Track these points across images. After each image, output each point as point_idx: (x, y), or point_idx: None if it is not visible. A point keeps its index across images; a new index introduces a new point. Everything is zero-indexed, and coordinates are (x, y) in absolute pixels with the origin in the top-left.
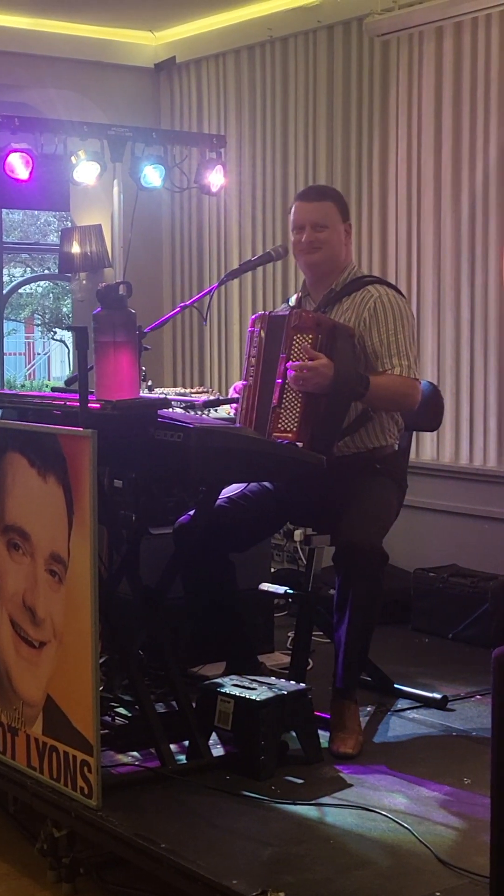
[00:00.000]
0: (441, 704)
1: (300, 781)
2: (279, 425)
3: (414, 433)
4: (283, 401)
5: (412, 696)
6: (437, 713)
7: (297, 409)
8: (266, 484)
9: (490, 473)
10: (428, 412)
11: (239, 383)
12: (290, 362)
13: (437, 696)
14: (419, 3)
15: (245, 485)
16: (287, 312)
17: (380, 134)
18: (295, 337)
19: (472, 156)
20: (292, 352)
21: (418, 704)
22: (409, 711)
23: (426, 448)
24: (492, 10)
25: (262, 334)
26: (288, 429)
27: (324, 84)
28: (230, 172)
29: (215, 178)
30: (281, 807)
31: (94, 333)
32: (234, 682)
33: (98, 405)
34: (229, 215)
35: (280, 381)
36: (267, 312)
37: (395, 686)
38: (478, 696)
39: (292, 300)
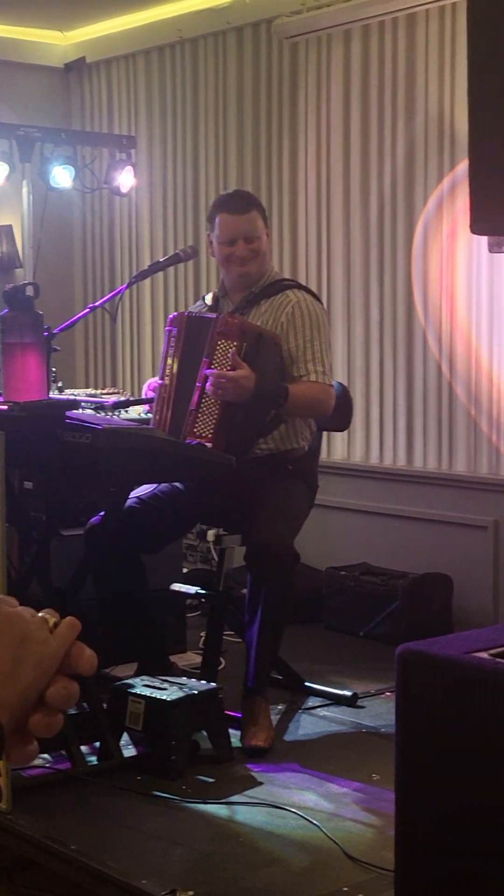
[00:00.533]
0: (351, 702)
1: (211, 780)
2: (195, 430)
3: (323, 433)
4: (201, 405)
5: (323, 694)
6: (348, 710)
7: (215, 416)
8: (177, 484)
9: (399, 472)
10: (338, 413)
11: (153, 381)
12: (212, 369)
13: (348, 693)
14: (327, 5)
15: (156, 485)
16: (203, 311)
17: (289, 135)
18: (219, 342)
19: (381, 158)
20: (215, 357)
21: (329, 702)
22: (319, 709)
23: (337, 448)
24: (398, 14)
25: (180, 334)
26: (203, 434)
27: (234, 85)
28: (140, 173)
29: (125, 179)
30: (192, 806)
31: (1, 335)
32: (146, 683)
33: (6, 406)
34: (140, 216)
35: (200, 385)
36: (185, 312)
37: (306, 684)
38: (387, 693)
39: (208, 298)
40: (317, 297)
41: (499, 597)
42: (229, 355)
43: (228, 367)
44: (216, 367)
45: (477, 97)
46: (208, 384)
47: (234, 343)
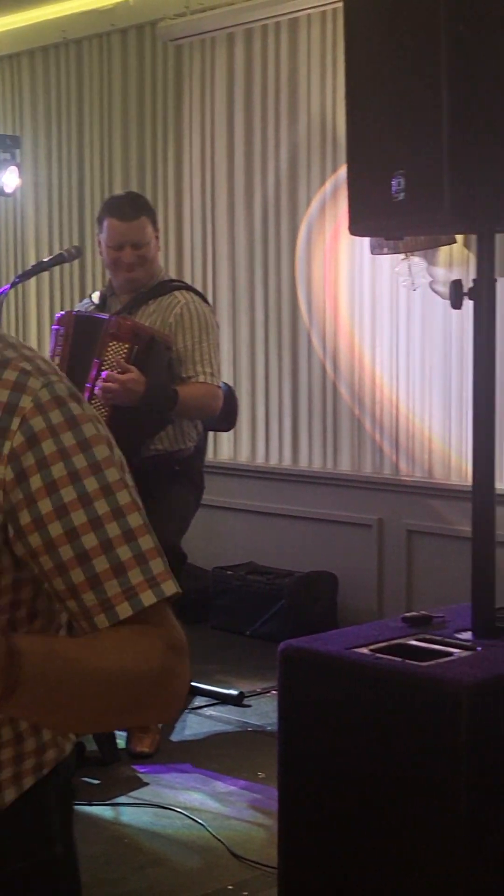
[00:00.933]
0: (237, 701)
1: (96, 782)
2: None
3: (209, 433)
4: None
5: (209, 694)
6: (234, 709)
7: (103, 418)
8: None
9: (285, 472)
10: (224, 413)
11: None
12: (102, 371)
13: (234, 692)
14: (211, 9)
15: None
16: (91, 310)
17: (174, 137)
18: (110, 344)
19: (264, 160)
20: (105, 359)
21: (215, 701)
22: (206, 709)
23: (223, 448)
24: (281, 18)
25: (68, 332)
26: None
27: (119, 87)
28: (25, 173)
29: (10, 179)
30: (77, 808)
31: None
32: None
33: None
34: (25, 216)
35: (89, 385)
36: (72, 311)
37: (193, 684)
38: (273, 692)
39: (95, 297)
40: (204, 299)
41: (383, 594)
42: (120, 358)
43: (118, 370)
44: (106, 369)
45: (354, 101)
46: (97, 386)
47: (126, 345)
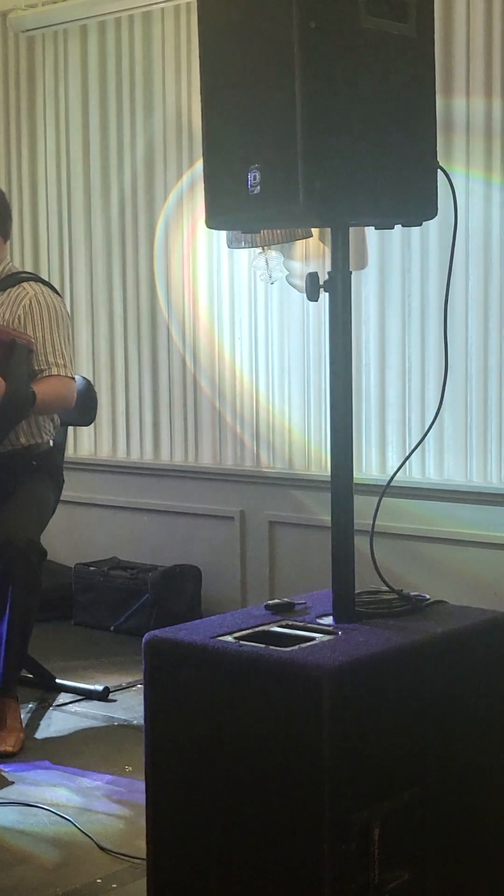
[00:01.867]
0: (103, 696)
1: None
2: None
3: (70, 428)
4: None
5: (74, 690)
6: (100, 705)
7: None
8: None
9: (146, 466)
10: (82, 407)
11: None
12: None
13: (99, 687)
14: (63, 0)
15: None
16: None
17: (28, 130)
18: None
19: (120, 154)
20: None
21: (80, 697)
22: (71, 705)
23: (84, 443)
24: (134, 12)
25: None
26: None
27: None
28: None
29: None
30: None
31: None
32: None
33: None
34: None
35: None
36: None
37: (57, 681)
38: (139, 686)
39: None
40: (55, 290)
41: (246, 585)
42: None
43: None
44: None
45: (209, 95)
46: None
47: None
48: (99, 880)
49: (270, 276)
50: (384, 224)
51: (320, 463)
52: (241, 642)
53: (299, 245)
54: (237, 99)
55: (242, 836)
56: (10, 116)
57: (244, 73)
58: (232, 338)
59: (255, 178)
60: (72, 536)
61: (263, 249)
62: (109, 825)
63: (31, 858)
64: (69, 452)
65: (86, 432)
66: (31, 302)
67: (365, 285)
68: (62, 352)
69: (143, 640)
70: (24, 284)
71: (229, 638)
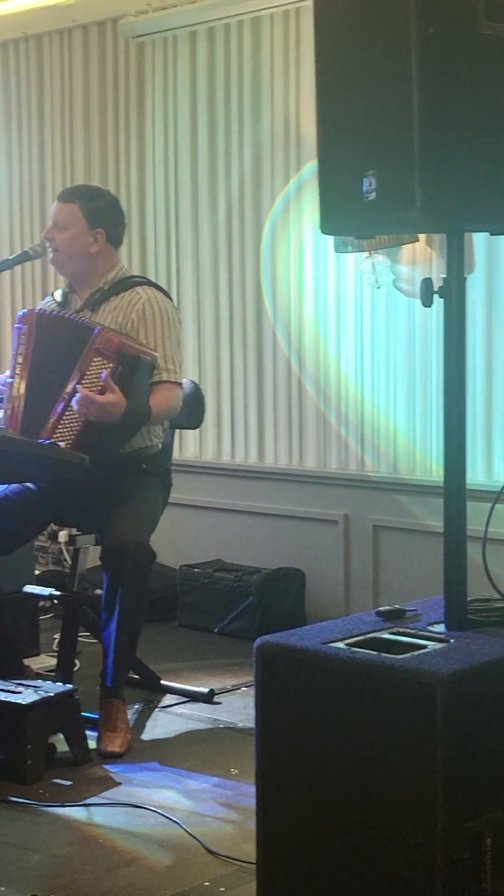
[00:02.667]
0: (208, 698)
1: (69, 783)
2: (55, 437)
3: (176, 431)
4: (64, 417)
5: (179, 692)
6: (204, 707)
7: (76, 430)
8: (29, 484)
9: (251, 469)
10: (190, 411)
11: (1, 376)
12: (82, 384)
13: (204, 690)
14: (173, 6)
15: (6, 486)
16: (54, 308)
17: (137, 134)
18: (95, 359)
19: (228, 158)
20: (88, 373)
21: (185, 699)
22: (176, 707)
23: (189, 446)
24: (243, 17)
25: (31, 331)
26: (64, 444)
27: (80, 83)
28: None
29: None
30: (49, 810)
31: None
32: None
33: None
34: None
35: (67, 395)
36: (34, 309)
37: (163, 682)
38: (243, 689)
39: (57, 295)
40: (167, 294)
41: (350, 589)
42: (102, 375)
43: (99, 387)
44: (87, 383)
45: (324, 100)
46: (75, 400)
47: (110, 364)
48: (207, 883)
49: (377, 281)
50: (499, 230)
51: (426, 467)
52: (353, 649)
53: (406, 249)
54: (352, 105)
55: (353, 844)
56: (120, 122)
57: (360, 80)
58: (338, 341)
59: (370, 185)
60: (176, 538)
61: (370, 254)
62: (217, 828)
63: (139, 860)
64: (175, 455)
65: (191, 435)
66: (143, 306)
67: (472, 290)
68: (173, 357)
69: (255, 644)
70: (137, 289)
71: (341, 644)
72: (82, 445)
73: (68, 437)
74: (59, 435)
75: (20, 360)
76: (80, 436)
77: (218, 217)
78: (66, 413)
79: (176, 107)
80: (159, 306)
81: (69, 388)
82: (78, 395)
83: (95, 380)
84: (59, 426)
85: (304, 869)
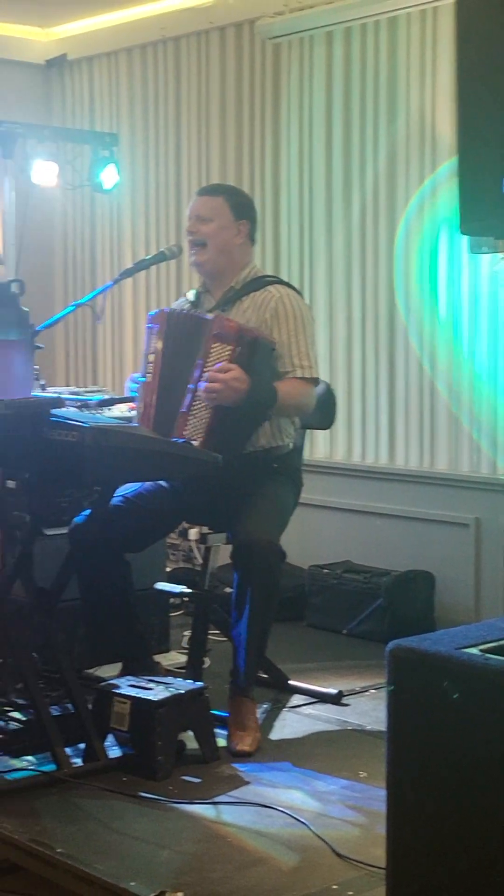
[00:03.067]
0: (336, 700)
1: (198, 781)
2: (185, 432)
3: (307, 431)
4: (193, 408)
5: (307, 692)
6: (333, 708)
7: (206, 419)
8: (162, 482)
9: (381, 470)
10: (322, 411)
11: (135, 375)
12: (205, 371)
13: (332, 691)
14: (310, 7)
15: (140, 483)
16: (185, 308)
17: (272, 135)
18: (214, 345)
19: (363, 159)
20: (209, 360)
21: (314, 700)
22: (304, 707)
23: (319, 446)
24: (380, 17)
25: (161, 330)
26: (194, 437)
27: (217, 84)
28: (123, 170)
29: (108, 176)
30: (178, 807)
31: None
32: (131, 683)
33: None
34: (122, 213)
35: (192, 387)
36: (165, 309)
37: (291, 682)
38: (372, 691)
39: (191, 295)
40: (299, 293)
41: (480, 593)
42: (223, 359)
43: (221, 371)
44: (209, 369)
45: (465, 101)
46: (201, 385)
47: (229, 347)
48: (335, 886)
49: None
50: None
51: None
52: (488, 655)
53: None
54: (493, 107)
55: (488, 855)
56: (255, 123)
57: (501, 79)
58: (471, 343)
59: None
60: (306, 538)
61: None
62: (345, 831)
63: (267, 860)
64: (305, 454)
65: (322, 435)
66: (276, 305)
67: None
68: (307, 353)
69: (387, 648)
70: (269, 288)
71: (475, 650)
72: (213, 435)
73: (198, 429)
74: (189, 427)
75: (151, 358)
76: (211, 425)
77: (352, 217)
78: (194, 404)
79: (311, 107)
80: (292, 304)
81: (192, 378)
82: (202, 382)
83: (217, 364)
84: (189, 417)
85: (437, 877)
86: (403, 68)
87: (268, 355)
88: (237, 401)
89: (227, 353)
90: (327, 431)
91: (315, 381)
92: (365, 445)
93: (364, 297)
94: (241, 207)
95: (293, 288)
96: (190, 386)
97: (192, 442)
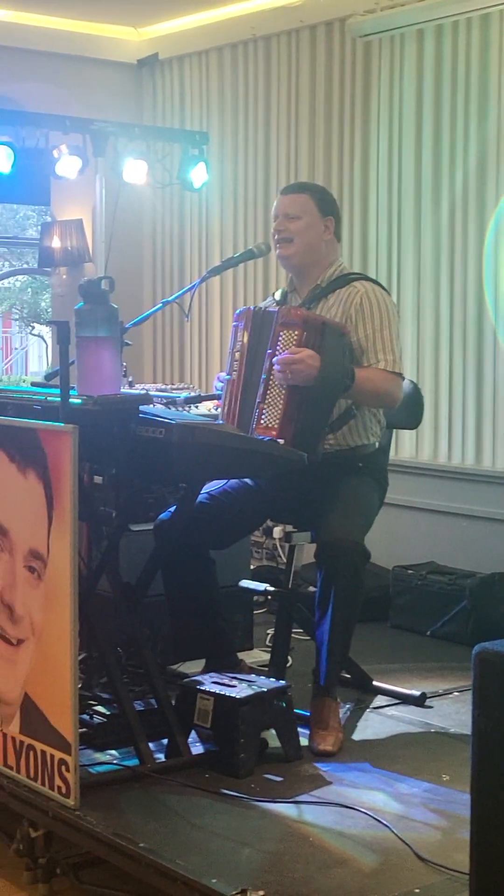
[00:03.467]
0: (419, 701)
1: (280, 779)
2: (262, 422)
3: (393, 431)
4: (267, 397)
5: (391, 693)
6: (416, 710)
7: (280, 405)
8: (247, 480)
9: (468, 472)
10: (409, 410)
11: (222, 374)
12: (276, 357)
13: (416, 693)
14: (401, 5)
15: (226, 481)
16: (272, 308)
17: (361, 133)
18: (281, 333)
19: (452, 158)
20: (278, 348)
21: (397, 701)
22: (387, 708)
23: (405, 446)
24: (472, 14)
25: (246, 329)
26: (270, 425)
27: (306, 83)
28: (212, 169)
29: (198, 175)
30: (260, 805)
31: (75, 328)
32: (214, 680)
33: (80, 400)
34: (211, 212)
35: (264, 377)
36: (251, 308)
37: (374, 683)
38: (455, 693)
39: (277, 294)
40: (385, 289)
41: None
42: (291, 344)
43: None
44: (279, 357)
45: None
46: (275, 369)
47: (296, 332)
48: (417, 890)
49: None
50: None
51: None
52: None
53: None
54: None
55: None
56: (345, 121)
57: None
58: None
59: None
60: (390, 538)
61: None
62: (427, 835)
63: (349, 861)
64: (391, 454)
65: (407, 435)
66: (361, 300)
67: None
68: (392, 347)
69: (473, 651)
70: (355, 283)
71: None
72: (289, 421)
73: (274, 416)
74: (265, 416)
75: (237, 356)
76: (287, 411)
77: (441, 216)
78: (269, 392)
79: (401, 106)
80: (377, 298)
81: (264, 369)
82: (275, 367)
83: (287, 351)
84: (264, 407)
85: None
86: (495, 66)
87: (338, 338)
88: (309, 378)
89: (294, 337)
90: (413, 431)
91: (399, 375)
92: (451, 446)
93: (452, 296)
94: (327, 204)
95: (379, 284)
96: (262, 377)
97: (277, 440)
